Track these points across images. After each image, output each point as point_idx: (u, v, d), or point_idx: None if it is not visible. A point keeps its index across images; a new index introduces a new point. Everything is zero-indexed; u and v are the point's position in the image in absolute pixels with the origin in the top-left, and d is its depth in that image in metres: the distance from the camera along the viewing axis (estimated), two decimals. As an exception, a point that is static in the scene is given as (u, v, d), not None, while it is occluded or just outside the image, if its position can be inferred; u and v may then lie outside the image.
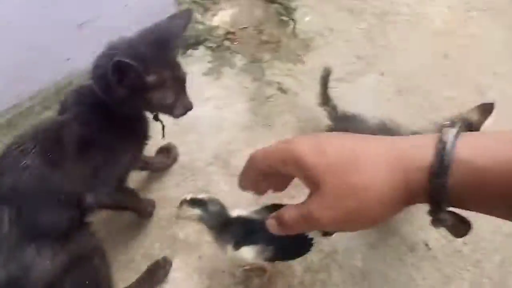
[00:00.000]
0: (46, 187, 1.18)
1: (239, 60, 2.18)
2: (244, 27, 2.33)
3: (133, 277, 1.59)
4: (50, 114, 1.92)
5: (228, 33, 2.27)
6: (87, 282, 1.33)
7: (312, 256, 1.64)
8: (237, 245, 1.26)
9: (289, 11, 2.34)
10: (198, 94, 2.04)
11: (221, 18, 2.35)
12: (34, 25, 1.66)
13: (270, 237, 1.16)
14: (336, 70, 2.07)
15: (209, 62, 2.16)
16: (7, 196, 1.15)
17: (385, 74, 2.14)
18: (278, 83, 2.11)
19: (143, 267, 1.61)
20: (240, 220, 1.28)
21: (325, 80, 1.83)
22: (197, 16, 2.25)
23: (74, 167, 1.23)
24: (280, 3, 2.35)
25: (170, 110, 1.37)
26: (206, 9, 2.34)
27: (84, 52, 1.86)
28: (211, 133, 1.94)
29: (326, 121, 1.90)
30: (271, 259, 1.29)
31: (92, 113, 1.25)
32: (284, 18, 2.32)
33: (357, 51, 2.23)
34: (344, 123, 1.71)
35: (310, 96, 2.04)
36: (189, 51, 2.18)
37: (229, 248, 1.27)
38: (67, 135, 1.21)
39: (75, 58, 1.88)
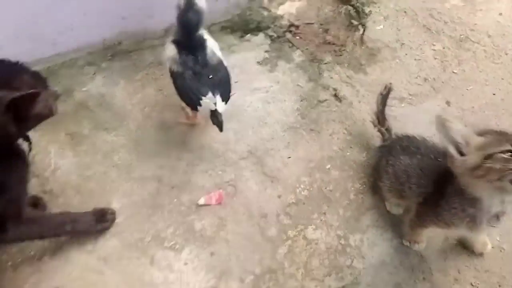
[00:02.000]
0: None
1: (297, 56, 2.04)
2: (309, 23, 2.19)
3: (138, 258, 1.49)
4: (92, 70, 1.85)
5: (292, 25, 2.14)
6: None
7: (330, 282, 1.50)
8: None
9: (361, 15, 2.17)
10: (248, 82, 1.93)
11: (288, 8, 2.22)
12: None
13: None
14: (399, 88, 1.92)
15: (266, 51, 2.03)
16: None
17: (451, 104, 1.95)
18: (334, 89, 1.96)
19: (151, 248, 1.52)
20: None
21: (384, 99, 1.68)
22: (264, 1, 2.11)
23: None
24: (353, 6, 2.19)
25: (51, 112, 1.23)
26: (274, -4, 2.21)
27: (143, 14, 1.81)
28: (252, 126, 1.81)
29: (377, 141, 1.75)
30: None
31: None
32: (355, 22, 2.16)
33: (425, 72, 2.05)
34: (401, 142, 1.55)
35: (365, 109, 1.90)
36: (248, 36, 2.06)
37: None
38: None
39: (130, 19, 1.78)
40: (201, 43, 1.52)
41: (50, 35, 1.71)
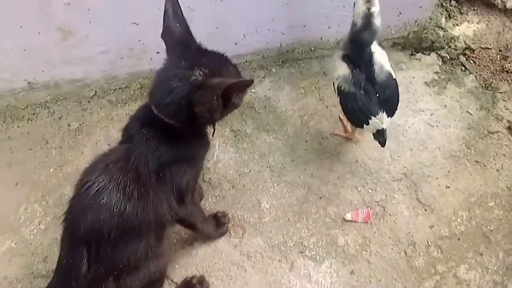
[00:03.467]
0: (127, 222, 1.14)
1: (470, 81, 1.90)
2: (486, 47, 2.02)
3: (279, 261, 1.53)
4: (262, 73, 1.95)
5: (467, 48, 2.00)
6: None
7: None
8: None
9: (551, 45, 1.95)
10: (412, 102, 1.86)
11: (464, 30, 2.08)
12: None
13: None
14: None
15: (436, 72, 1.93)
16: (86, 237, 1.13)
17: None
18: (509, 121, 1.78)
19: (293, 254, 1.54)
20: None
21: None
22: (441, 20, 2.00)
23: (156, 193, 1.19)
24: (542, 33, 1.97)
25: (241, 103, 1.25)
26: (450, 16, 2.09)
27: (323, 23, 1.86)
28: (410, 148, 1.74)
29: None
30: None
31: (160, 138, 1.18)
32: (541, 51, 1.94)
33: None
34: None
35: (545, 151, 1.69)
36: (419, 55, 1.97)
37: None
38: (142, 164, 1.16)
39: (310, 27, 1.84)
40: (370, 58, 1.47)
41: (236, 36, 1.84)
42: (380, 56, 1.49)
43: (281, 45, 1.92)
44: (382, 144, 1.52)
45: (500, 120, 1.80)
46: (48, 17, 1.59)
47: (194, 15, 1.68)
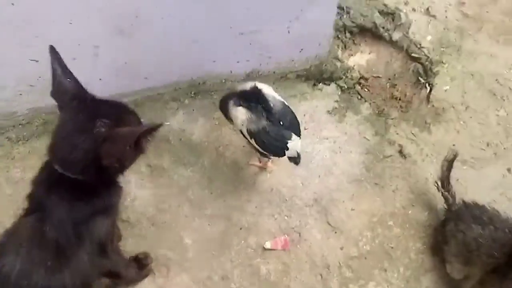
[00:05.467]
0: None
1: (365, 109, 2.10)
2: (377, 76, 2.25)
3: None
4: (176, 105, 1.95)
5: (361, 78, 2.20)
6: None
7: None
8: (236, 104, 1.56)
9: (428, 74, 2.22)
10: (317, 130, 2.00)
11: (358, 60, 2.28)
12: (201, 25, 1.70)
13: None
14: (462, 151, 1.95)
15: (336, 101, 2.10)
16: None
17: (512, 172, 1.98)
18: (400, 145, 2.00)
19: (218, 289, 1.57)
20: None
21: (449, 165, 1.73)
22: (338, 52, 2.19)
23: (78, 255, 1.17)
24: (421, 64, 2.24)
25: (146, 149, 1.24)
26: (346, 47, 2.28)
27: (232, 59, 1.92)
28: (318, 174, 1.88)
29: (440, 202, 1.79)
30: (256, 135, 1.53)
31: (71, 197, 1.14)
32: (422, 80, 2.21)
33: (488, 137, 2.07)
34: (472, 210, 1.61)
35: (429, 169, 1.94)
36: (320, 85, 2.12)
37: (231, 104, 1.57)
38: (60, 231, 1.12)
39: (220, 62, 1.89)
40: (259, 93, 1.55)
41: (146, 72, 1.82)
42: (267, 89, 1.57)
43: (192, 78, 1.94)
44: (297, 162, 1.63)
45: (393, 144, 2.01)
46: None
47: (101, 51, 1.63)
